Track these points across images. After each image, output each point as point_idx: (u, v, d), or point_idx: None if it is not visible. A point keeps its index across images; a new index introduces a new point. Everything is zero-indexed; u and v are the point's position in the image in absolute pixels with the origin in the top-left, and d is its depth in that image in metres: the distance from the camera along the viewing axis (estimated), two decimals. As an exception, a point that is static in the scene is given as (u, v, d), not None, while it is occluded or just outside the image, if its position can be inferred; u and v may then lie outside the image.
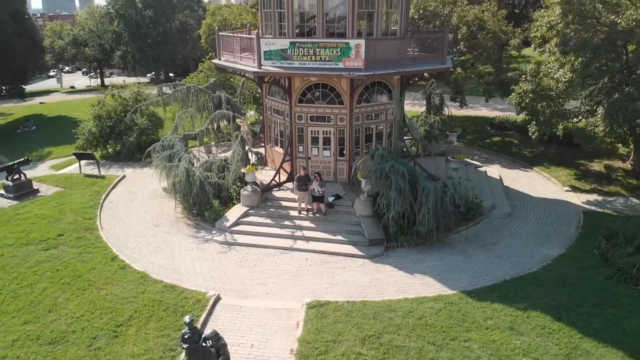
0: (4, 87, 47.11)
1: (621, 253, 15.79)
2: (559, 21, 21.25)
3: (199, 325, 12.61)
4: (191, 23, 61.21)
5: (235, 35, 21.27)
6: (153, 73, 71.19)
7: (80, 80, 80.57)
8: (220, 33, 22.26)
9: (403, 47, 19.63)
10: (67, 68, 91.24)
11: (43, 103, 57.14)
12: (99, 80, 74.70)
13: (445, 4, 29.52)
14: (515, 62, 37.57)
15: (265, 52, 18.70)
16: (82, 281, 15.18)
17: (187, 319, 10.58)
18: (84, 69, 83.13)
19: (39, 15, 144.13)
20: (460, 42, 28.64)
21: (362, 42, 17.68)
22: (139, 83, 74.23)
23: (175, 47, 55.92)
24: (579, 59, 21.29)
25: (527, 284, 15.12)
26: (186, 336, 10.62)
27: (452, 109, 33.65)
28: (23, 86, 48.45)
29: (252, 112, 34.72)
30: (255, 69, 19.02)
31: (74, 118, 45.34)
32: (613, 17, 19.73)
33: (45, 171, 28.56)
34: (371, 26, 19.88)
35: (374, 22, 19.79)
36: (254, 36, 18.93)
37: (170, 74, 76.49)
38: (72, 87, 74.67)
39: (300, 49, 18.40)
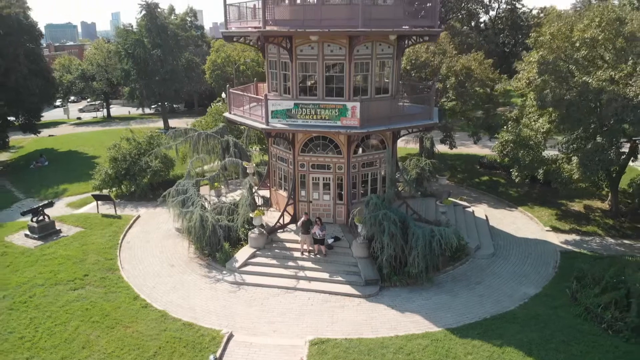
0: (17, 122, 49.17)
1: (589, 293, 17.74)
2: (536, 78, 23.64)
3: (216, 361, 14.49)
4: (197, 61, 63.99)
5: (245, 94, 23.58)
6: (157, 104, 73.63)
7: (84, 113, 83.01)
8: (231, 90, 24.56)
9: (394, 105, 22.00)
10: (72, 97, 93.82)
11: (52, 136, 59.39)
12: (105, 111, 77.39)
13: (435, 54, 32.03)
14: (505, 97, 39.61)
15: (272, 111, 20.96)
16: (110, 319, 17.09)
17: (211, 358, 12.48)
18: (88, 99, 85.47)
19: (44, 45, 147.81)
20: (449, 90, 31.03)
21: (357, 104, 19.98)
22: (143, 112, 76.98)
23: (181, 84, 58.48)
24: (556, 113, 23.59)
25: (504, 322, 17.05)
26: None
27: (444, 148, 36.14)
28: (36, 122, 50.51)
29: (256, 149, 36.81)
30: (264, 126, 21.25)
31: (85, 154, 47.68)
32: (585, 77, 22.09)
33: (63, 209, 30.52)
34: (366, 85, 22.20)
35: (368, 83, 22.12)
36: (263, 97, 21.23)
37: (175, 105, 79.19)
38: (79, 118, 77.17)
39: (303, 109, 20.69)
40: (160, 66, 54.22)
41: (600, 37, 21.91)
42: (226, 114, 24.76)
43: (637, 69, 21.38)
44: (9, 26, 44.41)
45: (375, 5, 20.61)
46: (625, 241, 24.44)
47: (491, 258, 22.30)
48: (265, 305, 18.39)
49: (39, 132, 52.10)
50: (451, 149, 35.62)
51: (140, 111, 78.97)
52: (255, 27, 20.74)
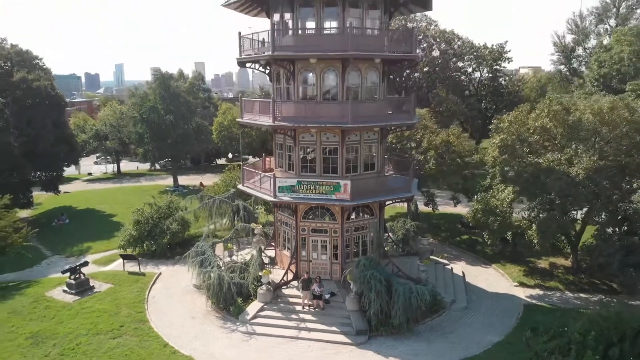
0: (40, 180, 53.33)
1: (539, 341, 21.51)
2: (499, 157, 28.28)
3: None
4: (206, 124, 69.36)
5: (256, 171, 28.14)
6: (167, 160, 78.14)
7: (95, 167, 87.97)
8: (245, 167, 29.09)
9: (379, 181, 26.51)
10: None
11: (67, 192, 63.57)
12: (115, 167, 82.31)
13: (417, 129, 36.90)
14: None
15: (279, 187, 25.41)
16: (146, 364, 20.81)
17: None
18: (97, 155, 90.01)
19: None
20: (429, 161, 35.69)
21: (348, 182, 24.48)
22: (152, 169, 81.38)
23: (191, 146, 63.53)
24: (516, 187, 28.08)
25: (470, 365, 20.82)
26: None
27: (430, 208, 40.47)
28: (57, 183, 54.91)
29: (262, 210, 40.97)
30: (272, 199, 25.65)
31: (102, 212, 51.82)
32: (537, 158, 26.72)
33: (90, 266, 34.25)
34: (356, 163, 26.69)
35: (358, 162, 26.66)
36: (271, 176, 25.77)
37: (182, 161, 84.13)
38: (90, 173, 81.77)
39: (305, 185, 25.16)
40: (173, 130, 59.33)
41: (548, 125, 26.72)
42: (240, 186, 29.24)
43: (578, 152, 26.00)
44: (37, 97, 49.78)
45: (362, 104, 25.41)
46: (582, 295, 28.33)
47: (464, 311, 26.17)
48: (273, 352, 22.12)
49: (59, 192, 56.31)
50: (433, 212, 39.92)
51: (147, 166, 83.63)
52: (268, 123, 25.42)
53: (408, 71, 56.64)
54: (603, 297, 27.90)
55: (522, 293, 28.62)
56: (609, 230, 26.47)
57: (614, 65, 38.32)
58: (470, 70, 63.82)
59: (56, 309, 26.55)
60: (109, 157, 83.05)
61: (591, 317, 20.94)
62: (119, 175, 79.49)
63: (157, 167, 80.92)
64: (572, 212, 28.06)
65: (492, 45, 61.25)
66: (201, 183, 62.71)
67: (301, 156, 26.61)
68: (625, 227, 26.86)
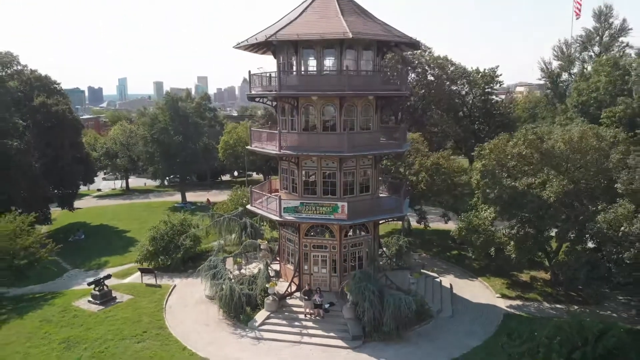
0: (57, 197, 56.62)
1: (512, 345, 24.50)
2: (480, 181, 31.46)
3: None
4: (213, 144, 72.85)
5: (263, 193, 31.36)
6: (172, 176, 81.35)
7: (103, 183, 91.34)
8: (253, 189, 32.31)
9: (374, 202, 29.69)
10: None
11: (79, 208, 66.68)
12: (124, 183, 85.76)
13: (410, 152, 40.12)
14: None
15: (284, 207, 28.60)
16: (168, 364, 23.83)
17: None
18: (105, 171, 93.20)
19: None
20: (421, 181, 38.87)
21: (345, 204, 27.66)
22: (159, 185, 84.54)
23: (199, 164, 66.93)
24: (496, 207, 31.22)
25: (451, 366, 23.79)
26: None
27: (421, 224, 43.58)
28: (72, 200, 58.21)
29: (267, 226, 44.12)
30: (278, 218, 28.85)
31: (115, 227, 54.99)
32: (514, 182, 29.89)
33: (109, 279, 37.42)
34: (353, 186, 29.88)
35: (354, 185, 29.84)
36: (277, 197, 28.99)
37: (188, 177, 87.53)
38: (99, 189, 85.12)
39: (307, 206, 28.34)
40: (182, 150, 62.74)
41: (524, 152, 29.94)
42: (248, 206, 32.45)
43: (550, 177, 29.15)
44: (56, 120, 53.21)
45: (358, 134, 28.68)
46: (558, 306, 31.28)
47: (450, 319, 29.16)
48: (279, 355, 25.13)
49: (74, 209, 59.58)
50: (425, 228, 43.04)
51: (154, 182, 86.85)
52: (274, 151, 28.71)
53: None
54: (577, 307, 30.85)
55: (503, 304, 31.60)
56: (578, 247, 29.48)
57: (591, 94, 41.64)
58: (463, 93, 67.29)
59: (83, 317, 29.61)
60: (117, 173, 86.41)
61: (557, 324, 23.91)
62: (127, 192, 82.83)
63: (166, 183, 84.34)
64: (548, 230, 31.07)
65: (484, 69, 64.77)
66: (208, 200, 65.93)
67: (304, 179, 29.83)
68: (592, 245, 29.91)
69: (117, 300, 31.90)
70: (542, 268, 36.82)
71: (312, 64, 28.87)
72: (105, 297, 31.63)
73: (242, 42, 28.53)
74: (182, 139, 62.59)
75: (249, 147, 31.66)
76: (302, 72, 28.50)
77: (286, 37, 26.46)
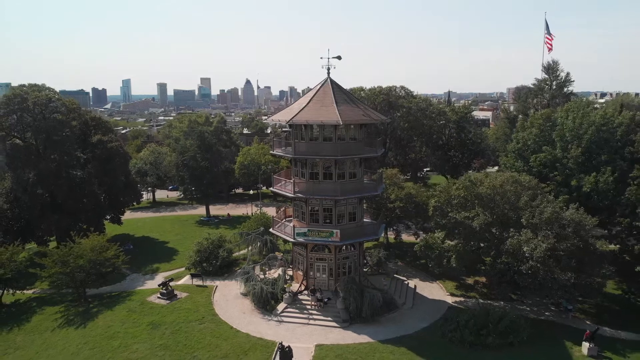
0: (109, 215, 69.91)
1: (446, 325, 37.69)
2: (431, 212, 44.64)
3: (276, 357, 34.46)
4: (233, 167, 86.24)
5: (281, 220, 44.66)
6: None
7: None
8: (274, 217, 45.67)
9: (358, 228, 42.95)
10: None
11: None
12: (151, 196, 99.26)
13: (387, 186, 53.22)
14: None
15: (296, 233, 41.85)
16: (223, 337, 37.08)
17: (279, 345, 32.51)
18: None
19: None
20: (396, 209, 52.02)
21: (338, 230, 40.95)
22: (183, 199, 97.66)
23: (220, 185, 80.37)
24: (445, 231, 44.38)
25: (406, 338, 37.01)
26: None
27: (405, 237, 56.93)
28: (120, 216, 71.43)
29: (281, 241, 57.35)
30: (292, 240, 42.12)
31: (156, 239, 68.14)
32: (455, 215, 43.07)
33: (171, 281, 50.50)
34: (344, 215, 43.05)
35: (344, 214, 43.06)
36: (292, 225, 42.29)
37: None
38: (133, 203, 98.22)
39: (312, 231, 41.61)
40: (207, 173, 76.14)
41: (463, 194, 43.12)
42: (270, 230, 45.78)
43: (478, 212, 42.23)
44: (110, 154, 66.46)
45: (347, 182, 41.85)
46: (489, 301, 44.34)
47: (410, 309, 42.36)
48: (294, 331, 38.35)
49: (122, 223, 72.91)
50: (399, 243, 56.42)
51: (176, 194, 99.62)
52: (290, 194, 42.03)
53: (390, 129, 73.58)
54: (503, 303, 43.97)
55: (451, 300, 44.81)
56: (498, 260, 42.54)
57: (526, 142, 54.31)
58: (441, 123, 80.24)
59: (157, 308, 42.91)
60: (148, 188, 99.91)
61: (470, 311, 37.26)
62: (154, 204, 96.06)
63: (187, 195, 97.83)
64: (481, 247, 44.20)
65: (458, 106, 78.08)
66: (228, 214, 79.54)
67: (310, 212, 43.10)
68: (505, 259, 42.92)
69: (178, 297, 45.17)
70: (483, 274, 49.97)
71: (316, 134, 42.13)
72: (170, 295, 44.90)
73: (271, 124, 41.93)
74: (208, 164, 75.99)
75: (272, 188, 44.93)
76: (309, 140, 41.82)
77: (299, 122, 39.79)
